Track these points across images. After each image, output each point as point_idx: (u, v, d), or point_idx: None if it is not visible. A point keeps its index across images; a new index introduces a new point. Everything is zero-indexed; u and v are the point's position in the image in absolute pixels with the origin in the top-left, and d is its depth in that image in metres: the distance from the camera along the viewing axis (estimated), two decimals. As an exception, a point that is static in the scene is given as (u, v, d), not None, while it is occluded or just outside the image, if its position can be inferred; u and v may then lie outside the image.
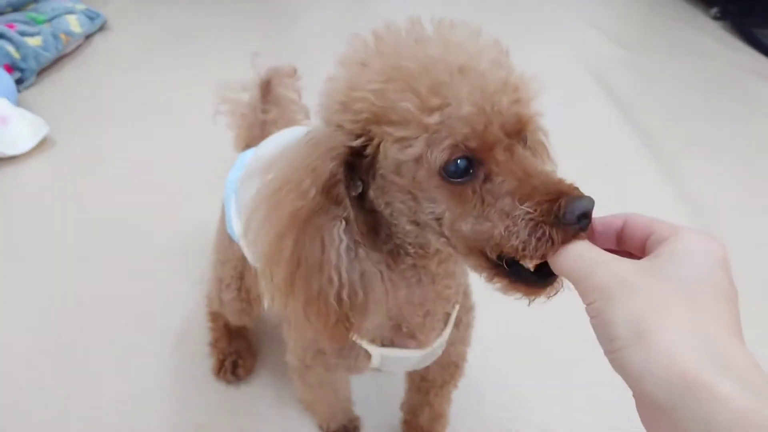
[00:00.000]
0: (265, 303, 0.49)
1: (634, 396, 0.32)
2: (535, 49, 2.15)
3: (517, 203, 0.40)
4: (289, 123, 0.91)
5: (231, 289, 0.87)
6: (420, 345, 0.63)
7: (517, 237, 0.40)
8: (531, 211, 0.39)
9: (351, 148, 0.44)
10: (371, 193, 0.47)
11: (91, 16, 2.25)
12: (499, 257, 0.43)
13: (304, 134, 0.47)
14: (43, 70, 1.97)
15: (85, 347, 1.06)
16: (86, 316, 1.12)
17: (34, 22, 2.03)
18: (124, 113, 1.80)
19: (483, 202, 0.42)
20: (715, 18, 2.46)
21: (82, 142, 1.64)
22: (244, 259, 0.78)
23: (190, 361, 1.03)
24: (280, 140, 0.73)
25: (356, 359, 0.64)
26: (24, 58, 1.86)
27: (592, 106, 1.86)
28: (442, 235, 0.45)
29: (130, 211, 1.38)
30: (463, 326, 0.70)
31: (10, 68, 1.81)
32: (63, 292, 1.17)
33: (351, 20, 2.36)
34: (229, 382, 0.99)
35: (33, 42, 1.92)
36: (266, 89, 0.92)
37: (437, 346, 0.65)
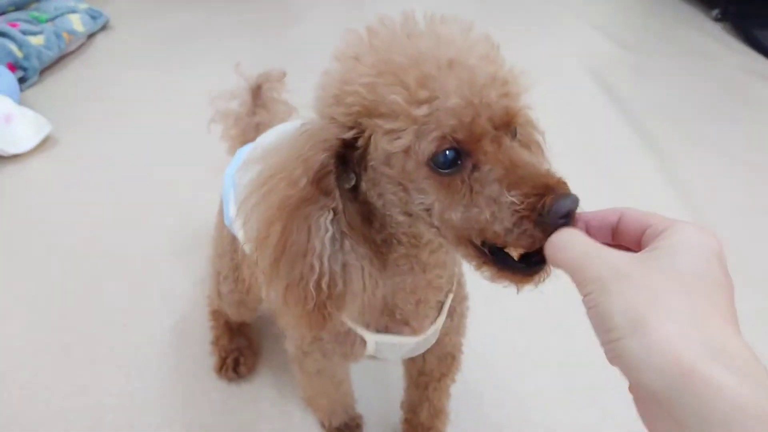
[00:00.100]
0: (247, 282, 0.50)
1: (630, 390, 0.33)
2: (536, 49, 2.16)
3: (505, 190, 0.41)
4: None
5: (228, 281, 0.89)
6: (414, 332, 0.64)
7: (501, 224, 0.41)
8: (517, 202, 0.40)
9: (343, 140, 0.46)
10: (363, 185, 0.48)
11: (94, 15, 2.26)
12: (484, 244, 0.44)
13: (299, 125, 0.49)
14: (46, 69, 1.98)
15: (87, 346, 1.06)
16: (87, 315, 1.12)
17: (37, 21, 2.04)
18: (126, 112, 1.81)
19: (471, 190, 0.43)
20: (716, 19, 2.46)
21: (84, 141, 1.64)
22: (240, 250, 0.79)
23: (192, 359, 1.04)
24: (278, 132, 0.75)
25: (352, 345, 0.65)
26: (27, 57, 1.87)
27: (592, 106, 1.87)
28: (432, 225, 0.46)
29: (131, 209, 1.39)
30: (457, 316, 0.71)
31: (13, 67, 1.82)
32: (64, 290, 1.17)
33: (351, 21, 2.34)
34: (230, 379, 0.99)
35: (36, 41, 1.92)
36: (257, 94, 0.94)
37: (431, 333, 0.66)
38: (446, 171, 0.43)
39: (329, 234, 0.47)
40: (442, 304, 0.65)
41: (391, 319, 0.62)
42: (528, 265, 0.43)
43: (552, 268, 0.43)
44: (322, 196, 0.46)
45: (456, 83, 0.41)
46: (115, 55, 2.17)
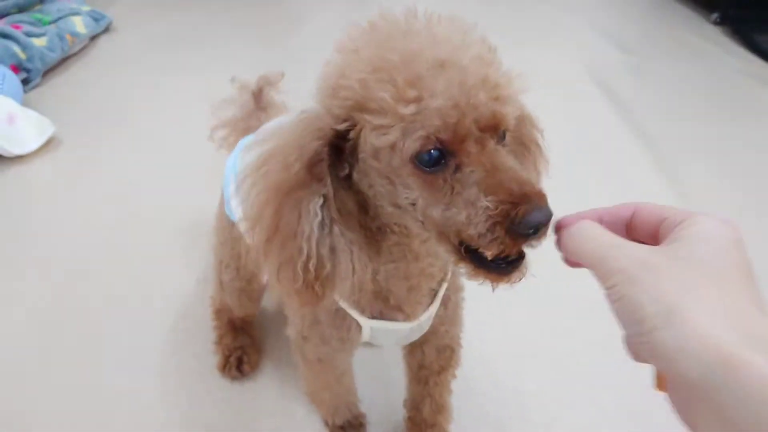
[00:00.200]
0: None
1: (658, 387, 0.32)
2: (537, 52, 2.18)
3: (482, 195, 0.42)
4: None
5: (230, 269, 0.91)
6: (407, 318, 0.66)
7: (476, 228, 0.43)
8: (491, 207, 0.42)
9: (337, 131, 0.47)
10: (355, 175, 0.50)
11: (96, 18, 2.27)
12: (461, 243, 0.45)
13: (300, 112, 0.51)
14: (49, 71, 1.99)
15: (91, 346, 1.07)
16: (91, 315, 1.12)
17: (40, 23, 2.05)
18: (129, 113, 1.82)
19: (452, 190, 0.44)
20: (715, 23, 2.47)
21: (87, 142, 1.65)
22: (240, 238, 0.80)
23: (196, 358, 1.04)
24: (280, 120, 0.76)
25: (348, 331, 0.67)
26: (30, 59, 1.88)
27: (592, 109, 1.88)
28: (417, 219, 0.48)
29: (135, 210, 1.39)
30: (451, 305, 0.73)
31: (17, 68, 1.83)
32: (68, 290, 1.18)
33: (353, 22, 2.37)
34: (234, 378, 0.99)
35: (39, 43, 1.94)
36: (258, 97, 0.96)
37: (424, 320, 0.68)
38: (430, 169, 0.44)
39: (318, 219, 0.48)
40: (435, 292, 0.67)
41: (385, 305, 0.64)
42: (504, 264, 0.45)
43: (526, 269, 0.45)
44: (315, 182, 0.48)
45: (445, 84, 0.42)
46: (118, 57, 2.18)
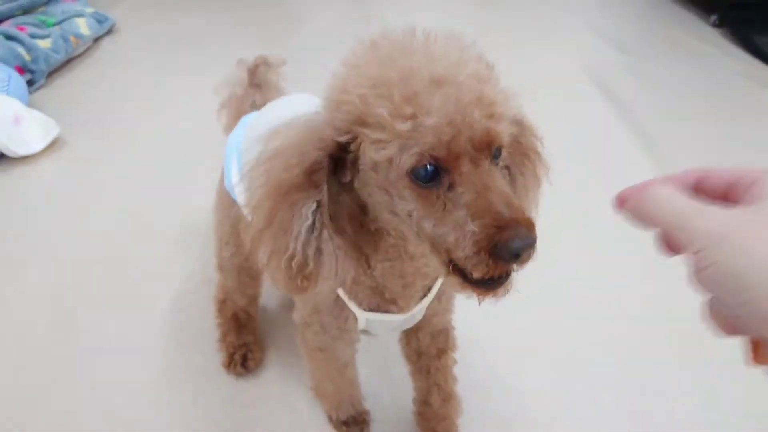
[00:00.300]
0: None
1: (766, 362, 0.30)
2: (537, 52, 2.19)
3: (469, 219, 0.45)
4: None
5: (230, 245, 0.93)
6: (401, 310, 0.69)
7: (463, 251, 0.45)
8: (477, 231, 0.44)
9: (338, 143, 0.50)
10: (356, 183, 0.53)
11: (100, 20, 2.28)
12: (450, 260, 0.48)
13: (311, 115, 0.53)
14: (53, 72, 2.01)
15: (95, 345, 1.07)
16: (96, 314, 1.13)
17: (44, 24, 2.07)
18: (132, 114, 1.83)
19: (444, 207, 0.47)
20: (715, 25, 2.48)
21: (92, 143, 1.66)
22: (240, 215, 0.82)
23: (201, 356, 1.05)
24: (287, 108, 0.77)
25: (345, 321, 0.71)
26: (34, 60, 1.90)
27: (592, 109, 1.89)
28: (413, 228, 0.50)
29: (138, 209, 1.41)
30: (445, 298, 0.75)
31: (22, 70, 1.85)
32: (73, 290, 1.19)
33: (353, 23, 2.38)
34: (239, 374, 1.00)
35: (43, 44, 1.95)
36: (253, 73, 0.98)
37: (416, 311, 0.71)
38: (425, 184, 0.47)
39: (308, 222, 0.51)
40: (429, 289, 0.70)
41: (381, 298, 0.67)
42: (490, 281, 0.47)
43: (511, 285, 0.48)
44: (312, 188, 0.51)
45: (441, 101, 0.44)
46: (120, 58, 2.20)
